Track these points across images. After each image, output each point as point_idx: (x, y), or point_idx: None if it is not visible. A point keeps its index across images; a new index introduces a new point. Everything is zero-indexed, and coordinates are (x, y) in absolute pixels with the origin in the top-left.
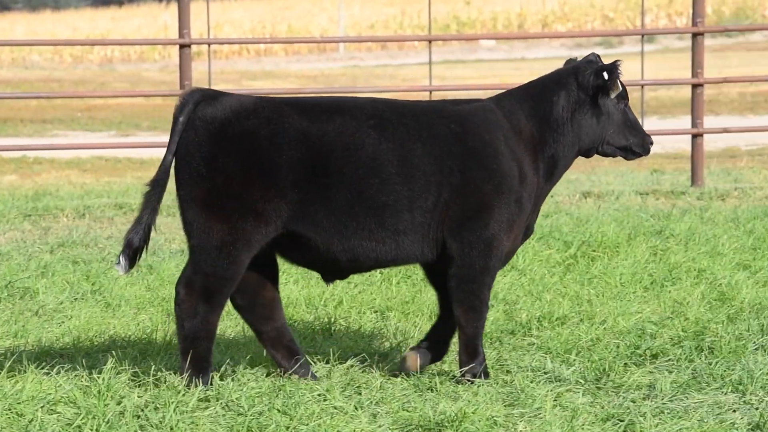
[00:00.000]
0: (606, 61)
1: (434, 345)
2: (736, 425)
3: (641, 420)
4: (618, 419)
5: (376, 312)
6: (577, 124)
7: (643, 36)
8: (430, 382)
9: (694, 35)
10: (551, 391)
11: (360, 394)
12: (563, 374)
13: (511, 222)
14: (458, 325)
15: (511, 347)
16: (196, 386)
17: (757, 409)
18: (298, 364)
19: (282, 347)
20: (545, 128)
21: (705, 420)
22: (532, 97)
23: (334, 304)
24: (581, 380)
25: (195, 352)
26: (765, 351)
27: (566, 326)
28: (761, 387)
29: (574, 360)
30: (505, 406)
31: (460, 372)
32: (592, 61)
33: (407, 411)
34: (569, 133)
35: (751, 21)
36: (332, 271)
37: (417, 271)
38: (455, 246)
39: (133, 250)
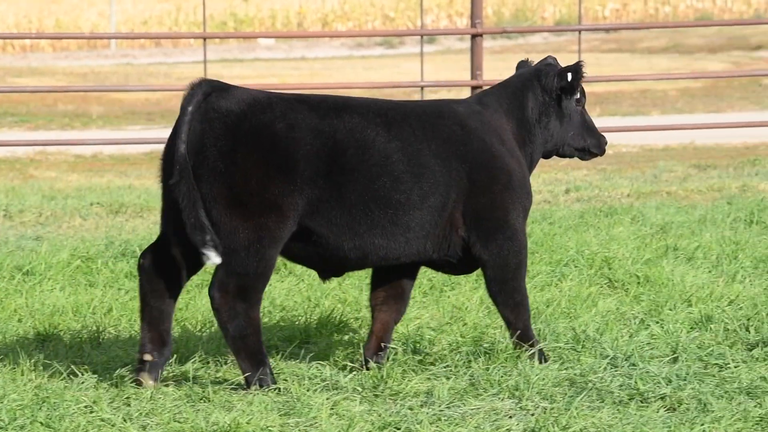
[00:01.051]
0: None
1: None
2: (512, 431)
3: (418, 427)
4: (395, 427)
5: None
6: (545, 126)
7: (422, 36)
8: (203, 391)
9: (473, 36)
10: (328, 399)
11: (129, 405)
12: (341, 382)
13: (526, 212)
14: (508, 324)
15: (288, 354)
16: (261, 383)
17: (532, 414)
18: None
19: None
20: (521, 128)
21: (481, 426)
22: (507, 97)
23: (103, 311)
24: (359, 388)
25: (247, 349)
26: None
27: (345, 333)
28: (537, 392)
29: (352, 367)
30: (280, 415)
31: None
32: (552, 63)
33: (178, 422)
34: (539, 135)
35: (531, 23)
36: (336, 268)
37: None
38: (485, 252)
39: (210, 240)
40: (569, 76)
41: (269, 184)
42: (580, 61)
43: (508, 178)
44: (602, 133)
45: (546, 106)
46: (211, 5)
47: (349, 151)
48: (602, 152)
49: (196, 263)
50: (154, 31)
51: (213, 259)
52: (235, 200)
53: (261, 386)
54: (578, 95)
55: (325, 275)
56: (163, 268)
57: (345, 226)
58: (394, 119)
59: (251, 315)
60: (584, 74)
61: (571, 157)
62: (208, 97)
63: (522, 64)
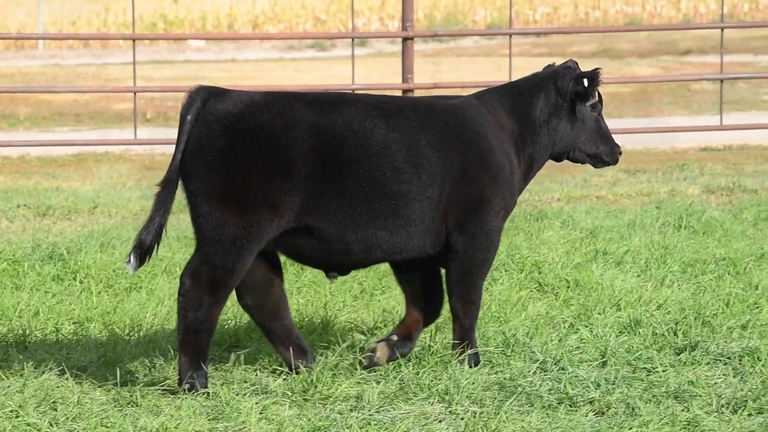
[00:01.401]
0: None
1: (403, 339)
2: None
3: None
4: (324, 431)
5: (75, 323)
6: (553, 128)
7: (353, 39)
8: (131, 396)
9: (404, 40)
10: (257, 403)
11: (56, 409)
12: (270, 386)
13: (506, 214)
14: (455, 316)
15: (218, 358)
16: (192, 384)
17: (462, 419)
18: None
19: (291, 344)
20: (524, 128)
21: (411, 430)
22: (512, 96)
23: (30, 314)
24: (288, 392)
25: (195, 345)
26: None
27: None
28: (467, 397)
29: (281, 372)
30: (209, 419)
31: (458, 360)
32: (571, 67)
33: (106, 427)
34: (545, 136)
35: (461, 27)
36: (340, 264)
37: (120, 281)
38: (460, 239)
39: (144, 250)
40: (585, 82)
41: (267, 182)
42: (597, 69)
43: (496, 173)
44: (617, 143)
45: (558, 108)
46: (140, 6)
47: (348, 144)
48: (615, 161)
49: (279, 267)
50: (82, 32)
51: (131, 266)
52: (230, 196)
53: (191, 389)
54: (595, 101)
55: (331, 274)
56: (262, 295)
57: (347, 219)
58: (391, 111)
59: (213, 312)
60: (600, 81)
61: (582, 162)
62: (206, 103)
63: (548, 67)
